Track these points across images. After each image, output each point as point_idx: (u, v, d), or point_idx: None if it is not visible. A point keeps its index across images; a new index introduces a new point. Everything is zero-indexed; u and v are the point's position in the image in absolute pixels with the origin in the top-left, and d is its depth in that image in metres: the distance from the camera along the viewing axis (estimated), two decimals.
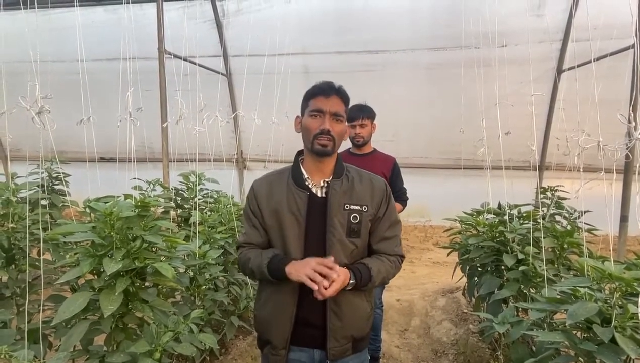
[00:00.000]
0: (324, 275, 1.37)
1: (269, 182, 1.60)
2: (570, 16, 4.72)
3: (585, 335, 1.54)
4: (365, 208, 1.52)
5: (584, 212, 3.28)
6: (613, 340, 1.36)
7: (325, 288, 1.35)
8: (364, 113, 2.73)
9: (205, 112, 2.77)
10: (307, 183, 1.54)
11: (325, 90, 1.51)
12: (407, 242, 6.42)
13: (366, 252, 1.59)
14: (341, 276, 1.40)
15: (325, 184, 1.54)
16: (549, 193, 3.99)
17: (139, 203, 1.67)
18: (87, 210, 1.68)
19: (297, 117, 1.59)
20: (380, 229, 1.57)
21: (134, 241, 1.62)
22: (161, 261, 1.63)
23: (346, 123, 1.59)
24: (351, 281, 1.44)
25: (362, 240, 1.54)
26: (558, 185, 3.97)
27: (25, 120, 1.64)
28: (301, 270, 1.39)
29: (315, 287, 1.35)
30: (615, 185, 1.79)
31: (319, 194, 1.53)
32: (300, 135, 1.58)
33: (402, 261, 1.65)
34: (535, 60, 5.09)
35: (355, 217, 1.50)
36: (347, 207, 1.50)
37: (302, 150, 1.61)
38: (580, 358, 1.48)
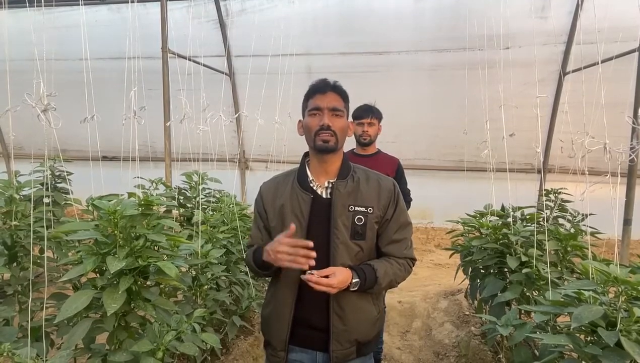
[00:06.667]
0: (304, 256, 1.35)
1: (275, 184, 1.61)
2: (575, 19, 4.71)
3: (589, 339, 1.53)
4: (370, 209, 1.50)
5: (588, 214, 3.26)
6: (618, 344, 1.35)
7: (312, 274, 1.35)
8: (373, 112, 2.77)
9: (208, 112, 2.77)
10: (311, 184, 1.54)
11: (321, 87, 1.51)
12: None
13: (373, 254, 1.57)
14: (338, 275, 1.38)
15: (330, 185, 1.52)
16: (552, 196, 3.97)
17: (142, 202, 1.66)
18: (91, 208, 1.68)
19: (299, 121, 1.59)
20: (389, 231, 1.55)
21: (137, 239, 1.61)
22: (164, 260, 1.62)
23: (349, 120, 1.59)
24: (354, 280, 1.42)
25: (368, 242, 1.51)
26: (561, 188, 3.95)
27: (29, 119, 1.64)
28: (276, 248, 1.38)
29: (293, 265, 1.34)
30: (618, 189, 1.78)
31: (323, 195, 1.52)
32: (303, 137, 1.58)
33: (413, 264, 1.61)
34: (539, 62, 5.08)
35: (359, 219, 1.48)
36: (351, 208, 1.49)
37: (309, 151, 1.60)
38: (584, 362, 1.47)
